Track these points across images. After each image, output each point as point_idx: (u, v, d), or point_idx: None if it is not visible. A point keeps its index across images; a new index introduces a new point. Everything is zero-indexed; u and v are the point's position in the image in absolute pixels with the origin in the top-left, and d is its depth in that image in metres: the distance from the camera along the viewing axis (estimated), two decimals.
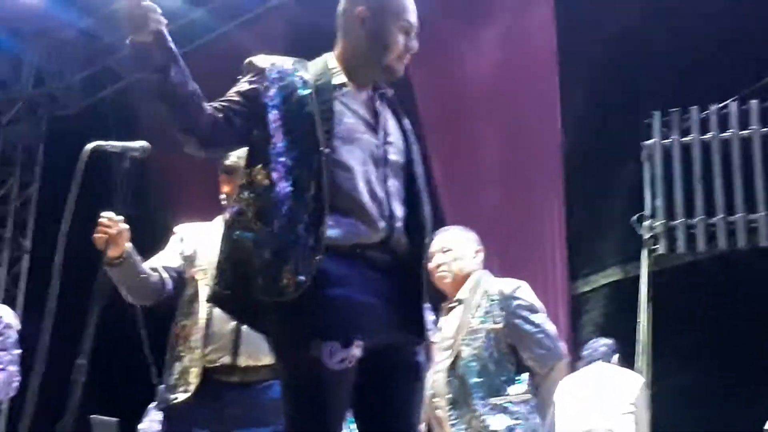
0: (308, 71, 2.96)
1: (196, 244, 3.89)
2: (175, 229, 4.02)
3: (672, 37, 7.81)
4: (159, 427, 4.11)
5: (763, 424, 4.96)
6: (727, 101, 8.00)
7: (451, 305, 4.49)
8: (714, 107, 8.03)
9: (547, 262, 7.70)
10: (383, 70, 2.99)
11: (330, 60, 3.01)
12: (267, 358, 3.62)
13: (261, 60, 2.96)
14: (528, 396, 4.31)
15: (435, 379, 4.34)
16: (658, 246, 7.93)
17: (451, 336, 4.38)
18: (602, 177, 8.30)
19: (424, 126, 8.10)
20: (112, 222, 3.56)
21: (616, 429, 5.83)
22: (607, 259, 8.43)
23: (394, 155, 2.95)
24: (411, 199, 2.96)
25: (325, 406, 2.75)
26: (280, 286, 2.70)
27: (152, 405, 5.74)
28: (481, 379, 4.27)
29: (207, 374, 3.72)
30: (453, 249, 4.52)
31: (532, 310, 4.40)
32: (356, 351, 2.71)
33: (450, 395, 4.29)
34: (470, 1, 8.53)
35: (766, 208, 7.72)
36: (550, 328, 4.42)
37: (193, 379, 3.70)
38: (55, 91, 10.19)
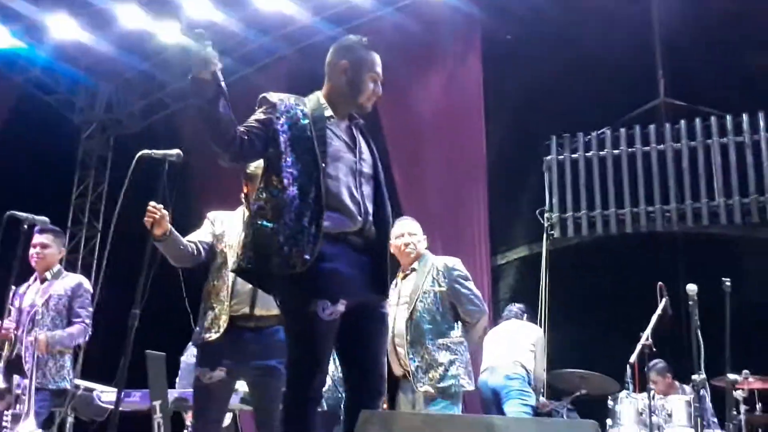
0: (306, 105, 3.04)
1: (225, 226, 3.90)
2: (208, 214, 4.01)
3: (568, 77, 7.76)
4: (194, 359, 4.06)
5: (626, 363, 4.95)
6: (604, 129, 8.03)
7: (406, 273, 4.52)
8: (594, 133, 8.03)
9: (474, 243, 7.69)
10: (357, 107, 3.11)
11: (320, 97, 3.09)
12: (276, 310, 3.57)
13: (272, 96, 3.04)
14: (462, 339, 4.39)
15: (397, 326, 4.34)
16: (553, 232, 7.96)
17: (408, 295, 4.41)
18: (515, 182, 8.30)
19: (389, 144, 8.11)
20: (156, 209, 3.58)
21: (522, 360, 5.90)
22: (518, 240, 8.41)
23: (366, 168, 3.05)
24: (378, 200, 3.07)
25: (318, 347, 2.85)
26: (291, 262, 2.82)
27: (190, 343, 5.69)
28: (431, 326, 4.31)
29: (231, 320, 3.73)
30: (416, 233, 4.56)
31: (466, 278, 4.50)
32: (341, 307, 2.82)
33: (408, 337, 4.30)
34: (420, 54, 8.47)
35: (631, 205, 7.78)
36: (478, 292, 4.54)
37: (223, 323, 3.71)
38: (120, 116, 10.10)
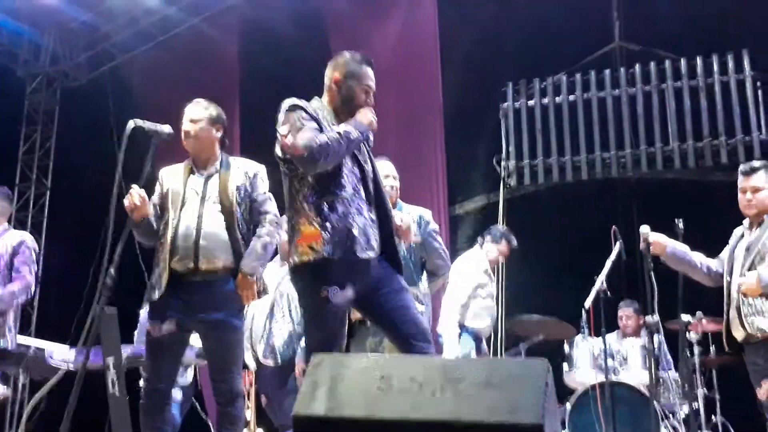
0: (316, 109, 3.33)
1: (169, 183, 3.93)
2: (160, 172, 4.03)
3: (524, 22, 7.75)
4: None
5: (581, 306, 5.02)
6: (559, 74, 8.05)
7: None
8: (550, 79, 8.06)
9: (431, 192, 7.70)
10: (351, 115, 3.35)
11: (326, 105, 3.40)
12: (221, 262, 3.78)
13: (301, 102, 3.31)
14: (428, 291, 4.47)
15: None
16: (510, 180, 8.02)
17: None
18: (472, 129, 8.29)
19: None
20: (139, 197, 3.70)
21: None
22: (476, 190, 8.41)
23: (369, 166, 3.42)
24: (378, 194, 3.42)
25: (332, 328, 3.28)
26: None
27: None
28: (405, 274, 4.29)
29: (178, 275, 3.79)
30: (397, 177, 4.57)
31: (438, 233, 4.57)
32: (349, 293, 3.22)
33: None
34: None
35: (587, 152, 7.85)
36: (444, 247, 4.62)
37: (164, 280, 3.77)
38: (66, 68, 9.84)
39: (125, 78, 9.11)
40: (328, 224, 3.21)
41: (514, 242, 5.85)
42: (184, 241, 3.77)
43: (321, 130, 3.23)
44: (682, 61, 7.67)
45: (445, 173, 7.85)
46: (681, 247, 4.29)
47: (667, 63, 7.73)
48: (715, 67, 7.57)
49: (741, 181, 4.19)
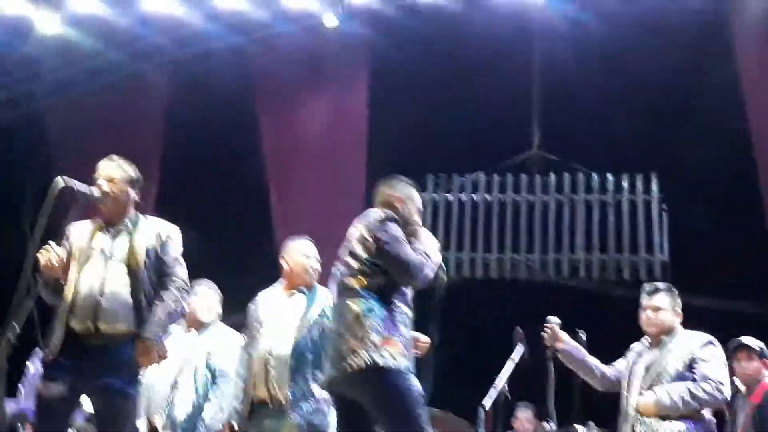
0: None
1: (76, 239, 3.85)
2: (69, 227, 3.93)
3: (451, 117, 8.01)
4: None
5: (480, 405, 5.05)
6: (478, 172, 8.28)
7: (293, 292, 4.46)
8: (469, 176, 8.30)
9: None
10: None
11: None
12: (122, 325, 3.71)
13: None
14: None
15: (278, 346, 4.29)
16: None
17: (298, 319, 4.33)
18: None
19: (267, 161, 8.08)
20: (57, 257, 3.66)
21: None
22: None
23: None
24: None
25: None
26: None
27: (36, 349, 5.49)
28: (314, 358, 4.22)
29: (76, 336, 3.69)
30: (318, 259, 4.55)
31: None
32: None
33: (292, 362, 4.23)
34: (311, 75, 8.50)
35: (498, 251, 8.04)
36: None
37: (59, 339, 3.69)
38: None
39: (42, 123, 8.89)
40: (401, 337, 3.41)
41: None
42: (84, 300, 3.69)
43: None
44: (595, 176, 8.03)
45: None
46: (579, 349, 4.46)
47: (581, 176, 8.07)
48: (625, 186, 7.94)
49: (644, 300, 4.38)
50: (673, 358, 4.21)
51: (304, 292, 4.44)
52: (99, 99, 8.77)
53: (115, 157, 3.96)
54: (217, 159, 8.48)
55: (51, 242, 3.68)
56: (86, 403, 3.95)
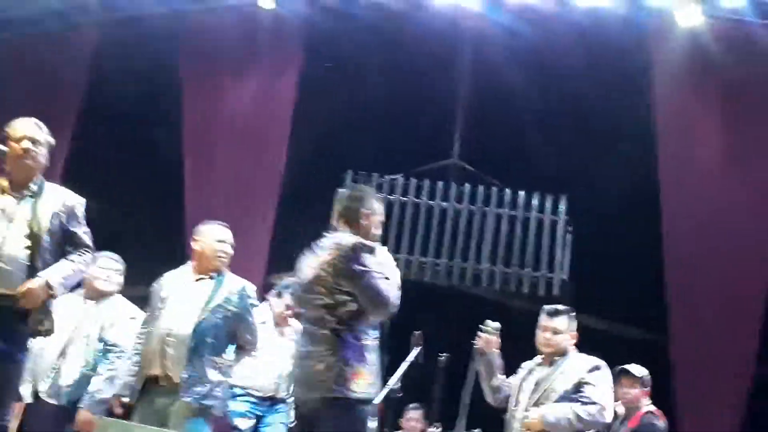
0: None
1: None
2: None
3: (375, 117, 8.06)
4: None
5: None
6: (397, 175, 8.38)
7: (202, 276, 4.42)
8: (387, 177, 8.38)
9: (252, 259, 7.62)
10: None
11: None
12: (8, 290, 3.60)
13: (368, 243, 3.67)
14: (231, 363, 4.43)
15: (177, 326, 4.26)
16: None
17: (201, 302, 4.30)
18: (305, 207, 8.37)
19: (185, 139, 7.98)
20: None
21: None
22: (296, 265, 8.43)
23: None
24: None
25: None
26: None
27: None
28: (213, 341, 4.23)
29: None
30: (232, 245, 4.54)
31: (254, 308, 4.57)
32: None
33: (191, 344, 4.19)
34: (240, 59, 8.43)
35: (407, 253, 8.14)
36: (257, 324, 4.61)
37: None
38: None
39: None
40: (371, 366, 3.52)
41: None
42: None
43: None
44: (507, 192, 8.21)
45: (268, 246, 7.87)
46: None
47: (494, 189, 8.25)
48: (535, 204, 8.15)
49: (543, 320, 4.52)
50: (563, 379, 4.36)
51: (212, 277, 4.41)
52: (19, 48, 8.48)
53: (35, 120, 3.87)
54: (133, 127, 8.32)
55: None
56: None
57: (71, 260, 3.77)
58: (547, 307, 4.60)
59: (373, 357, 3.57)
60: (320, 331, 3.52)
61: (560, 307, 4.60)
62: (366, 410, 3.51)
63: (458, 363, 5.22)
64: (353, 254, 3.54)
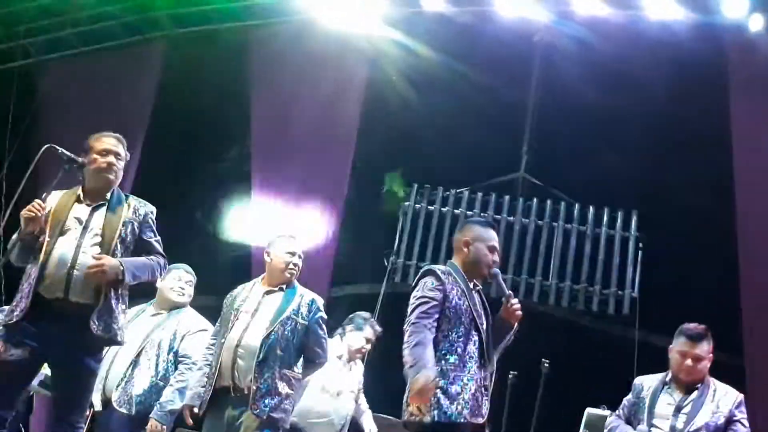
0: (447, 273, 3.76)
1: (53, 207, 3.86)
2: (48, 198, 3.94)
3: (440, 131, 8.02)
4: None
5: None
6: (463, 189, 8.34)
7: (273, 289, 4.46)
8: (453, 191, 8.34)
9: (317, 268, 7.64)
10: (481, 276, 3.82)
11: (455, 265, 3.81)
12: (90, 300, 3.72)
13: (436, 268, 3.84)
14: (300, 376, 4.44)
15: (247, 337, 4.31)
16: (395, 276, 8.15)
17: (270, 313, 4.34)
18: (370, 218, 8.44)
19: (255, 137, 8.05)
20: (41, 208, 3.67)
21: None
22: (360, 276, 8.52)
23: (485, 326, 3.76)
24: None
25: None
26: None
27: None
28: (283, 354, 4.26)
29: (45, 303, 3.69)
30: (302, 258, 4.56)
31: (325, 321, 4.56)
32: None
33: (261, 355, 4.22)
34: (311, 65, 8.47)
35: None
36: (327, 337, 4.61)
37: (25, 305, 3.67)
38: None
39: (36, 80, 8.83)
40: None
41: (378, 327, 5.62)
42: (56, 268, 3.69)
43: (443, 302, 3.63)
44: (576, 207, 8.09)
45: (335, 252, 7.91)
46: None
47: (563, 204, 8.14)
48: (605, 220, 8.01)
49: (683, 345, 4.15)
50: (708, 410, 4.06)
51: (282, 290, 4.45)
52: (92, 62, 8.71)
53: (117, 135, 4.00)
54: (202, 138, 8.46)
55: (37, 200, 3.72)
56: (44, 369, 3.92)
57: (152, 260, 3.90)
58: (686, 328, 4.21)
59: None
60: None
61: (700, 328, 4.20)
62: None
63: (525, 381, 5.15)
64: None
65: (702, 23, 7.52)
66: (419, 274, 3.83)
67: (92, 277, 3.67)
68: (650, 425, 4.09)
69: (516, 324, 3.82)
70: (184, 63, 8.49)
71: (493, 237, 3.85)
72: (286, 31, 8.43)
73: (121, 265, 3.73)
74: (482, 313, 3.76)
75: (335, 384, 5.27)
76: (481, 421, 3.61)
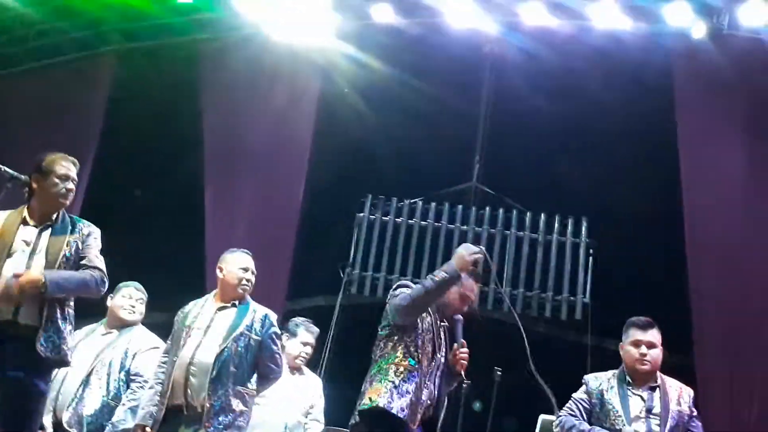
0: None
1: None
2: None
3: (393, 143, 8.10)
4: None
5: None
6: (417, 199, 8.41)
7: (225, 306, 4.43)
8: (407, 201, 8.42)
9: (272, 283, 7.66)
10: (447, 317, 4.18)
11: None
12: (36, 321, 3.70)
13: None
14: (254, 392, 4.38)
15: (200, 355, 4.28)
16: (351, 288, 8.18)
17: (224, 330, 4.31)
18: (325, 231, 8.46)
19: (207, 157, 8.04)
20: None
21: None
22: (316, 290, 8.52)
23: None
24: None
25: None
26: None
27: None
28: (236, 371, 4.23)
29: None
30: (254, 272, 4.55)
31: (279, 337, 4.53)
32: None
33: (214, 373, 4.19)
34: (264, 82, 8.49)
35: (426, 275, 8.11)
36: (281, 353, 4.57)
37: None
38: None
39: None
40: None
41: (314, 328, 5.39)
42: (3, 291, 3.67)
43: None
44: (528, 215, 8.22)
45: (290, 266, 7.91)
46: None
47: (515, 212, 8.25)
48: (556, 227, 8.14)
49: (636, 334, 4.12)
50: (675, 409, 4.04)
51: (235, 305, 4.43)
52: (40, 80, 8.62)
53: (70, 158, 3.98)
54: (153, 155, 8.41)
55: None
56: None
57: (83, 272, 3.85)
58: (634, 319, 4.18)
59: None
60: None
61: (647, 318, 4.18)
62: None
63: (478, 389, 5.20)
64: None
65: (647, 32, 7.71)
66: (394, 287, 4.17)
67: (13, 290, 3.64)
68: (628, 421, 4.00)
69: (462, 373, 4.00)
70: (134, 78, 8.46)
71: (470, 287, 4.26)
72: (237, 45, 8.44)
73: (45, 276, 3.70)
74: (444, 348, 4.06)
75: (276, 393, 4.99)
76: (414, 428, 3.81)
